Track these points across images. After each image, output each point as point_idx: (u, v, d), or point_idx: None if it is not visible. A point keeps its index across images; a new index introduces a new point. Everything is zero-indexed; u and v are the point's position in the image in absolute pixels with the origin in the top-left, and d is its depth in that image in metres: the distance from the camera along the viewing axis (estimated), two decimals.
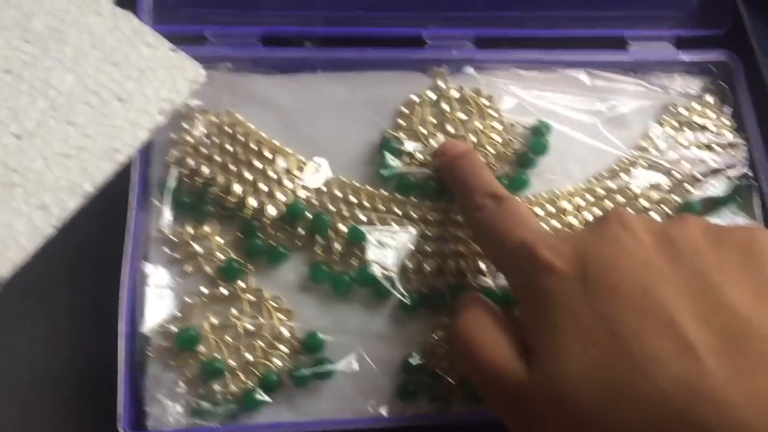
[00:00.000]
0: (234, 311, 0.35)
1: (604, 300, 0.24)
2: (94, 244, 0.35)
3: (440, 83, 0.39)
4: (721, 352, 0.22)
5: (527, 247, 0.27)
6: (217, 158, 0.36)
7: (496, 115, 0.39)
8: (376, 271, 0.35)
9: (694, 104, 0.41)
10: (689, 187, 0.39)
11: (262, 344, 0.34)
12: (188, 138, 0.37)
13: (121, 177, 0.34)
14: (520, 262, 0.27)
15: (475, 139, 0.38)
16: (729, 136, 0.40)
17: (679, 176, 0.39)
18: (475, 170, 0.34)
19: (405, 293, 0.35)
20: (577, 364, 0.23)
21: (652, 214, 0.38)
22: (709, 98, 0.41)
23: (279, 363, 0.34)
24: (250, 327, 0.34)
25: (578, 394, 0.23)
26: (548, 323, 0.25)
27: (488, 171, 0.34)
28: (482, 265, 0.36)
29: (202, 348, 0.34)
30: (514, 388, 0.25)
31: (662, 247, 0.25)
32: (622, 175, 0.39)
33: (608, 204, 0.38)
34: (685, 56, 0.42)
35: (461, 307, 0.30)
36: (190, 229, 0.35)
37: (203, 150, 0.36)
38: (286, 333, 0.35)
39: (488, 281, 0.35)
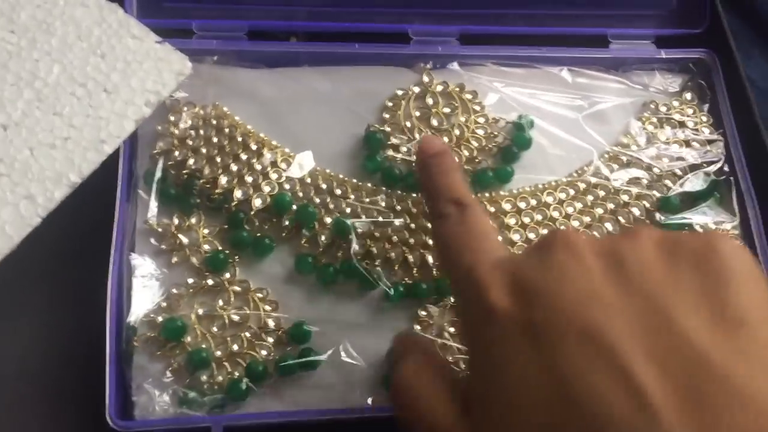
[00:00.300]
0: (220, 302, 0.35)
1: (551, 346, 0.22)
2: (80, 235, 0.36)
3: (425, 78, 0.40)
4: (681, 403, 0.19)
5: (475, 280, 0.25)
6: (203, 150, 0.36)
7: (480, 110, 0.39)
8: (361, 262, 0.35)
9: (674, 101, 0.42)
10: (668, 183, 0.40)
11: (248, 335, 0.35)
12: (174, 130, 0.37)
13: (108, 168, 0.34)
14: (468, 296, 0.25)
15: (458, 133, 0.38)
16: (707, 133, 0.41)
17: (658, 172, 0.40)
18: (444, 173, 0.32)
19: (389, 284, 0.35)
20: (525, 426, 0.21)
21: (634, 209, 0.39)
22: (688, 95, 0.42)
23: (265, 353, 0.34)
24: (236, 318, 0.35)
25: None
26: (494, 378, 0.23)
27: (458, 174, 0.32)
28: None
29: (188, 338, 0.34)
30: None
31: (611, 272, 0.23)
32: (603, 170, 0.39)
33: (589, 198, 0.39)
34: (665, 54, 0.43)
35: (399, 354, 0.29)
36: (176, 221, 0.36)
37: (189, 142, 0.37)
38: (271, 324, 0.35)
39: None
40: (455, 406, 0.25)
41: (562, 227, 0.37)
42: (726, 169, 0.41)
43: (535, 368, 0.22)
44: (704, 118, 0.42)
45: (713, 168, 0.40)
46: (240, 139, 0.37)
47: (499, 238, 0.33)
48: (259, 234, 0.36)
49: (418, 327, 0.36)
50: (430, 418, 0.25)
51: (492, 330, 0.23)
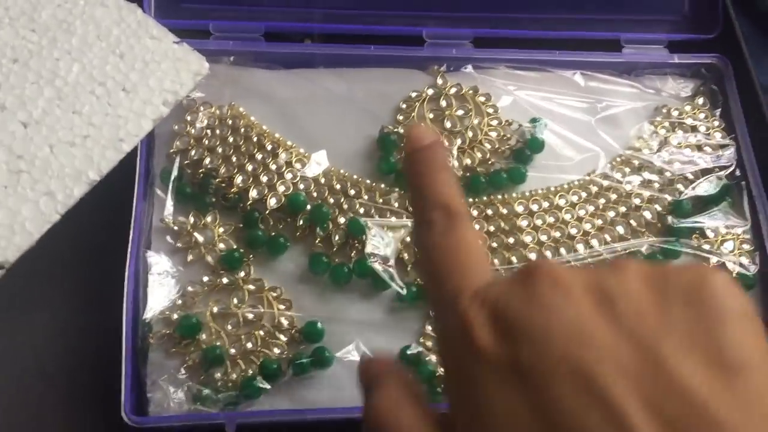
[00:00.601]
0: (235, 300, 0.35)
1: (541, 390, 0.20)
2: (97, 232, 0.36)
3: (439, 81, 0.40)
4: None
5: (459, 313, 0.23)
6: (219, 150, 0.37)
7: (493, 112, 0.40)
8: (374, 263, 0.36)
9: (686, 106, 0.42)
10: (680, 187, 0.40)
11: (262, 333, 0.35)
12: (191, 129, 0.37)
13: (125, 166, 0.34)
14: (450, 330, 0.23)
15: (472, 136, 0.39)
16: (719, 137, 0.41)
17: (670, 175, 0.40)
18: (432, 171, 0.28)
19: (402, 285, 0.36)
20: None
21: (645, 213, 0.39)
22: (700, 100, 0.43)
23: (278, 352, 0.35)
24: (251, 316, 0.35)
25: None
26: (478, 420, 0.22)
27: (448, 174, 0.28)
28: None
29: (203, 336, 0.34)
30: None
31: (602, 311, 0.22)
32: (615, 173, 0.40)
33: (601, 201, 0.39)
34: (678, 59, 0.43)
35: (372, 384, 0.26)
36: (192, 219, 0.36)
37: (206, 141, 0.37)
38: (285, 322, 0.35)
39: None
40: None
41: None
42: (738, 173, 0.41)
43: (524, 410, 0.21)
44: (716, 123, 0.42)
45: (725, 172, 0.41)
46: (255, 139, 0.37)
47: (486, 253, 0.31)
48: (273, 233, 0.36)
49: (430, 328, 0.36)
50: None
51: (476, 369, 0.22)
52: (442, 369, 0.24)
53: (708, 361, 0.20)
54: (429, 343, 0.36)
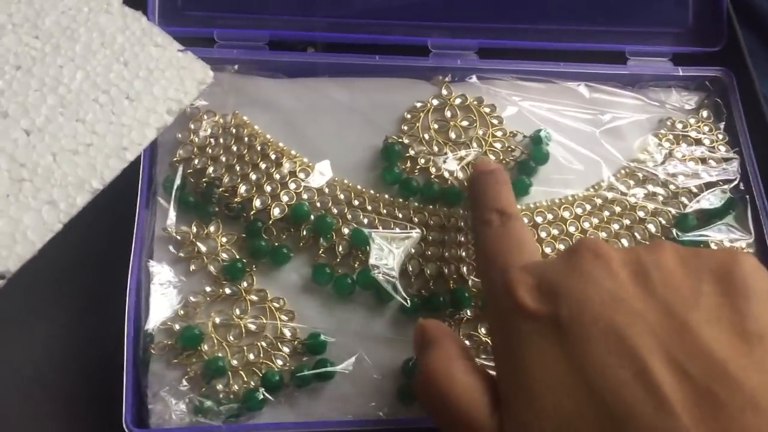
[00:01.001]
0: (237, 311, 0.35)
1: (577, 344, 0.23)
2: (100, 241, 0.36)
3: (444, 91, 0.40)
4: (697, 406, 0.21)
5: (506, 280, 0.26)
6: (223, 159, 0.37)
7: (498, 123, 0.39)
8: (378, 274, 0.36)
9: (690, 119, 0.42)
10: (684, 200, 0.40)
11: (265, 344, 0.35)
12: (194, 138, 0.37)
13: (128, 175, 0.34)
14: (498, 293, 0.26)
15: (476, 146, 0.39)
16: (723, 151, 0.41)
17: (674, 188, 0.40)
18: (494, 185, 0.33)
19: (406, 296, 0.36)
20: (552, 419, 0.22)
21: (650, 226, 0.39)
22: (705, 113, 0.42)
23: (281, 363, 0.34)
24: (253, 327, 0.35)
25: None
26: (521, 371, 0.24)
27: (508, 189, 0.34)
28: None
29: (205, 347, 0.34)
30: None
31: (637, 282, 0.24)
32: (620, 185, 0.39)
33: (606, 214, 0.39)
34: (682, 72, 0.43)
35: (428, 343, 0.29)
36: (194, 229, 0.36)
37: (209, 150, 0.37)
38: (288, 334, 0.35)
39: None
40: (486, 398, 0.25)
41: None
42: (742, 187, 0.41)
43: (560, 362, 0.23)
44: (720, 136, 0.42)
45: (729, 186, 0.41)
46: (259, 148, 0.37)
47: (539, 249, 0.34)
48: (276, 243, 0.36)
49: None
50: (464, 412, 0.25)
51: (520, 325, 0.25)
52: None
53: (731, 330, 0.22)
54: None
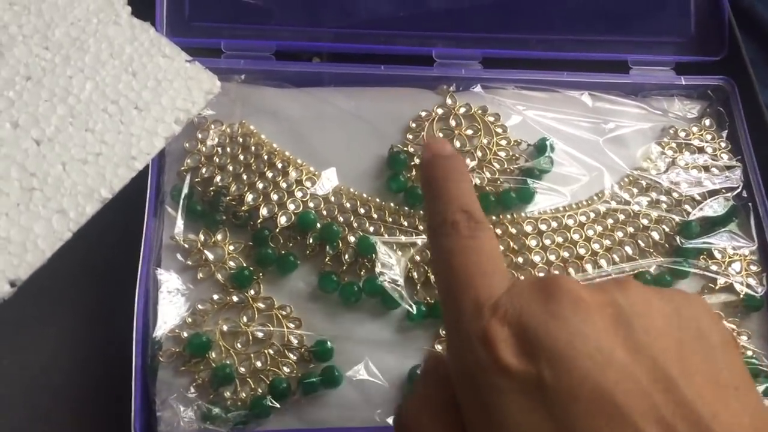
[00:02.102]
0: (244, 318, 0.35)
1: (564, 405, 0.21)
2: (108, 249, 0.36)
3: (448, 101, 0.40)
4: None
5: (482, 330, 0.23)
6: (230, 168, 0.37)
7: (502, 132, 0.40)
8: (384, 281, 0.36)
9: (693, 127, 0.42)
10: (687, 207, 0.40)
11: (272, 352, 0.35)
12: (202, 147, 0.37)
13: (136, 184, 0.34)
14: (469, 342, 0.23)
15: (481, 155, 0.39)
16: (726, 159, 0.42)
17: (677, 196, 0.40)
18: (456, 178, 0.28)
19: (412, 304, 0.36)
20: None
21: (653, 233, 0.39)
22: (707, 121, 0.43)
23: (288, 371, 0.35)
24: (260, 334, 0.35)
25: None
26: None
27: (471, 185, 0.28)
28: None
29: (212, 354, 0.34)
30: None
31: (618, 331, 0.23)
32: (623, 193, 0.40)
33: (609, 222, 0.39)
34: (685, 81, 0.43)
35: (418, 381, 0.27)
36: (202, 237, 0.36)
37: (216, 159, 0.37)
38: (295, 341, 0.35)
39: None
40: None
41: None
42: (744, 194, 0.41)
43: (544, 424, 0.21)
44: (723, 144, 0.42)
45: (732, 193, 0.41)
46: (266, 157, 0.37)
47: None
48: (283, 251, 0.36)
49: (439, 347, 0.36)
50: None
51: (497, 382, 0.22)
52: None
53: (709, 382, 0.22)
54: None
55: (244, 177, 0.37)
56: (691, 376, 0.22)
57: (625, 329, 0.22)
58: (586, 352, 0.22)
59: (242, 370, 0.34)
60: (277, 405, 0.34)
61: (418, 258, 0.37)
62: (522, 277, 0.38)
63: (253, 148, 0.37)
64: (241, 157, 0.37)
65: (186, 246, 0.36)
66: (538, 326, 0.22)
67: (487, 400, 0.22)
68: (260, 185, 0.37)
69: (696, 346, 0.22)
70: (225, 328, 0.35)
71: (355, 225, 0.37)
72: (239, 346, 0.35)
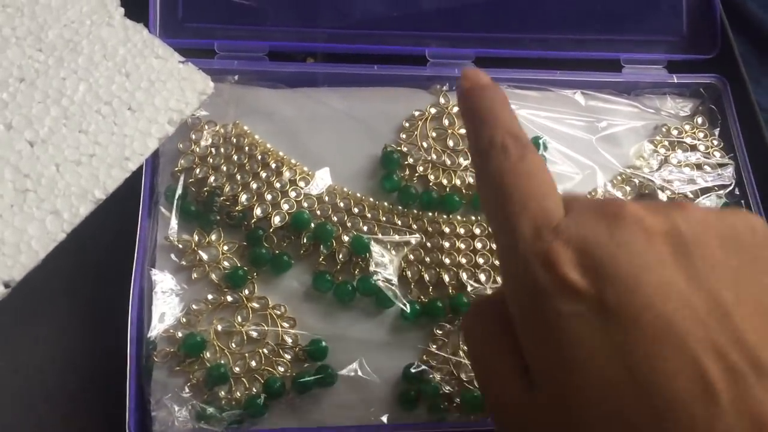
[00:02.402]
0: (239, 318, 0.35)
1: (624, 331, 0.22)
2: (102, 250, 0.36)
3: (441, 100, 0.40)
4: (733, 390, 0.21)
5: (542, 250, 0.23)
6: (224, 168, 0.37)
7: None
8: (378, 280, 0.36)
9: (685, 125, 0.43)
10: None
11: (266, 351, 0.35)
12: (195, 148, 0.37)
13: (130, 185, 0.34)
14: (530, 263, 0.23)
15: None
16: (718, 156, 0.42)
17: (670, 194, 0.40)
18: (503, 105, 0.27)
19: (406, 303, 0.36)
20: (591, 410, 0.22)
21: None
22: (699, 119, 0.43)
23: (282, 370, 0.35)
24: (255, 334, 0.35)
25: None
26: (559, 356, 0.22)
27: (513, 113, 0.28)
28: (482, 277, 0.37)
29: (207, 354, 0.34)
30: (517, 416, 0.24)
31: (679, 260, 0.23)
32: (616, 191, 0.40)
33: None
34: (677, 79, 0.43)
35: (481, 302, 0.27)
36: (196, 237, 0.36)
37: (210, 160, 0.37)
38: (289, 340, 0.35)
39: (488, 294, 0.36)
40: (522, 382, 0.24)
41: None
42: (737, 192, 0.41)
43: (606, 347, 0.22)
44: (715, 142, 0.42)
45: (724, 191, 0.41)
46: (260, 157, 0.37)
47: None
48: (277, 251, 0.36)
49: (434, 346, 0.36)
50: (495, 380, 0.24)
51: (558, 305, 0.22)
52: (514, 310, 0.24)
53: (757, 308, 0.23)
54: (433, 362, 0.36)
55: (238, 177, 0.37)
56: (742, 304, 0.22)
57: (685, 259, 0.23)
58: (648, 281, 0.22)
59: (237, 369, 0.34)
60: (272, 404, 0.34)
61: (411, 257, 0.37)
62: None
63: (246, 148, 0.38)
64: (235, 158, 0.37)
65: (180, 246, 0.36)
66: (603, 253, 0.23)
67: (548, 321, 0.23)
68: (254, 185, 0.37)
69: (750, 271, 0.23)
70: (219, 327, 0.35)
71: (348, 224, 0.37)
72: (234, 345, 0.35)
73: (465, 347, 0.28)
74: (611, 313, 0.22)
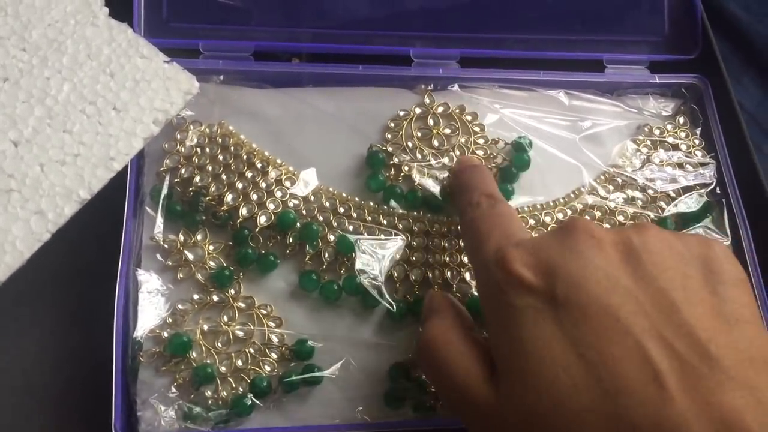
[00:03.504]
0: (225, 318, 0.35)
1: (573, 321, 0.24)
2: (87, 250, 0.36)
3: (426, 100, 0.41)
4: (683, 380, 0.22)
5: (501, 256, 0.27)
6: (209, 168, 0.37)
7: (480, 131, 0.40)
8: (364, 280, 0.36)
9: (667, 125, 0.43)
10: (662, 204, 0.41)
11: (252, 351, 0.35)
12: (181, 148, 0.37)
13: (115, 185, 0.34)
14: (491, 269, 0.27)
15: (459, 154, 0.39)
16: (700, 156, 0.42)
17: (652, 193, 0.41)
18: (481, 175, 0.35)
19: (392, 302, 0.36)
20: (547, 391, 0.24)
21: None
22: (681, 119, 0.44)
23: (269, 369, 0.35)
24: (241, 333, 0.35)
25: (547, 420, 0.23)
26: (517, 345, 0.25)
27: (493, 179, 0.35)
28: (467, 275, 0.37)
29: (193, 354, 0.34)
30: (482, 409, 0.26)
31: (628, 262, 0.25)
32: (600, 190, 0.40)
33: (586, 218, 0.39)
34: (659, 79, 0.44)
35: (430, 311, 0.31)
36: (182, 237, 0.36)
37: (195, 160, 0.37)
38: (275, 340, 0.35)
39: (473, 291, 0.37)
40: (481, 367, 0.27)
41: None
42: (718, 191, 0.42)
43: (556, 338, 0.24)
44: (697, 142, 0.43)
45: (706, 190, 0.41)
46: (245, 157, 0.37)
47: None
48: (263, 251, 0.36)
49: None
50: (460, 379, 0.27)
51: (515, 300, 0.25)
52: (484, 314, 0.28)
53: (711, 312, 0.24)
54: (419, 361, 0.36)
55: (224, 177, 0.37)
56: (693, 303, 0.24)
57: (634, 261, 0.25)
58: (595, 278, 0.25)
59: (223, 369, 0.34)
60: (259, 403, 0.34)
61: (397, 256, 0.37)
62: None
63: (232, 148, 0.38)
64: (221, 158, 0.37)
65: (166, 246, 0.36)
66: (553, 254, 0.26)
67: (505, 315, 0.26)
68: (240, 185, 0.37)
69: (703, 280, 0.25)
70: (205, 327, 0.35)
71: (334, 224, 0.37)
72: (220, 345, 0.35)
73: (422, 360, 0.30)
74: (561, 305, 0.24)
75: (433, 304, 0.31)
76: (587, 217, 0.40)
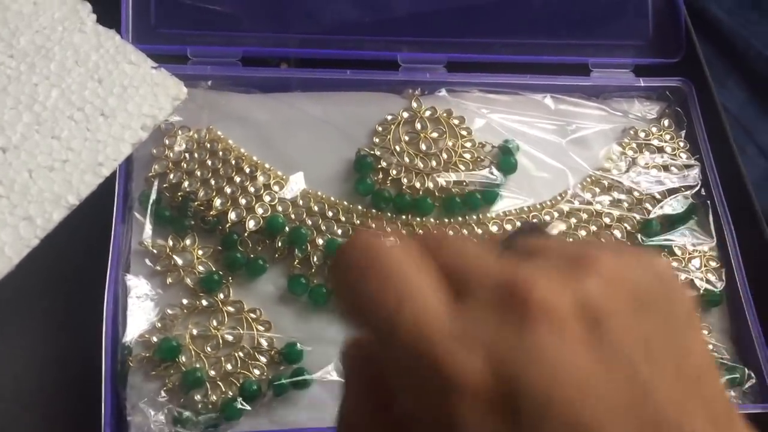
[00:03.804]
0: (214, 322, 0.35)
1: (531, 427, 0.20)
2: (76, 255, 0.36)
3: (414, 104, 0.41)
4: None
5: (440, 356, 0.19)
6: (198, 173, 0.37)
7: (467, 134, 0.40)
8: None
9: (652, 128, 0.43)
10: (648, 206, 0.41)
11: (242, 355, 0.35)
12: (169, 153, 0.37)
13: (104, 191, 0.34)
14: (413, 355, 0.19)
15: (446, 157, 0.40)
16: (684, 158, 0.43)
17: (638, 195, 0.41)
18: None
19: None
20: None
21: (615, 232, 0.40)
22: (666, 122, 0.44)
23: (258, 373, 0.35)
24: (230, 338, 0.35)
25: None
26: None
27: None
28: None
29: (182, 358, 0.34)
30: None
31: (592, 338, 0.21)
32: (586, 193, 0.41)
33: (573, 221, 0.40)
34: (644, 82, 0.44)
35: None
36: (171, 242, 0.36)
37: (184, 165, 0.37)
38: (264, 344, 0.35)
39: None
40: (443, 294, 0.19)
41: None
42: (703, 192, 0.42)
43: None
44: (681, 144, 0.43)
45: (691, 192, 0.42)
46: (233, 162, 0.38)
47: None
48: (252, 255, 0.37)
49: None
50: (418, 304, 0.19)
51: (462, 405, 0.19)
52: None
53: (677, 376, 0.21)
54: None
55: (212, 182, 0.37)
56: (659, 375, 0.21)
57: (598, 336, 0.21)
58: (563, 382, 0.20)
59: (212, 373, 0.35)
60: (248, 407, 0.34)
61: None
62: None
63: (220, 153, 0.38)
64: (209, 163, 0.38)
65: (155, 251, 0.36)
66: (509, 351, 0.20)
67: (442, 416, 0.19)
68: (228, 190, 0.37)
69: (662, 335, 0.22)
70: (195, 332, 0.35)
71: (323, 228, 0.38)
72: (209, 349, 0.35)
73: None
74: (520, 423, 0.20)
75: (349, 362, 0.22)
76: (574, 219, 0.40)
